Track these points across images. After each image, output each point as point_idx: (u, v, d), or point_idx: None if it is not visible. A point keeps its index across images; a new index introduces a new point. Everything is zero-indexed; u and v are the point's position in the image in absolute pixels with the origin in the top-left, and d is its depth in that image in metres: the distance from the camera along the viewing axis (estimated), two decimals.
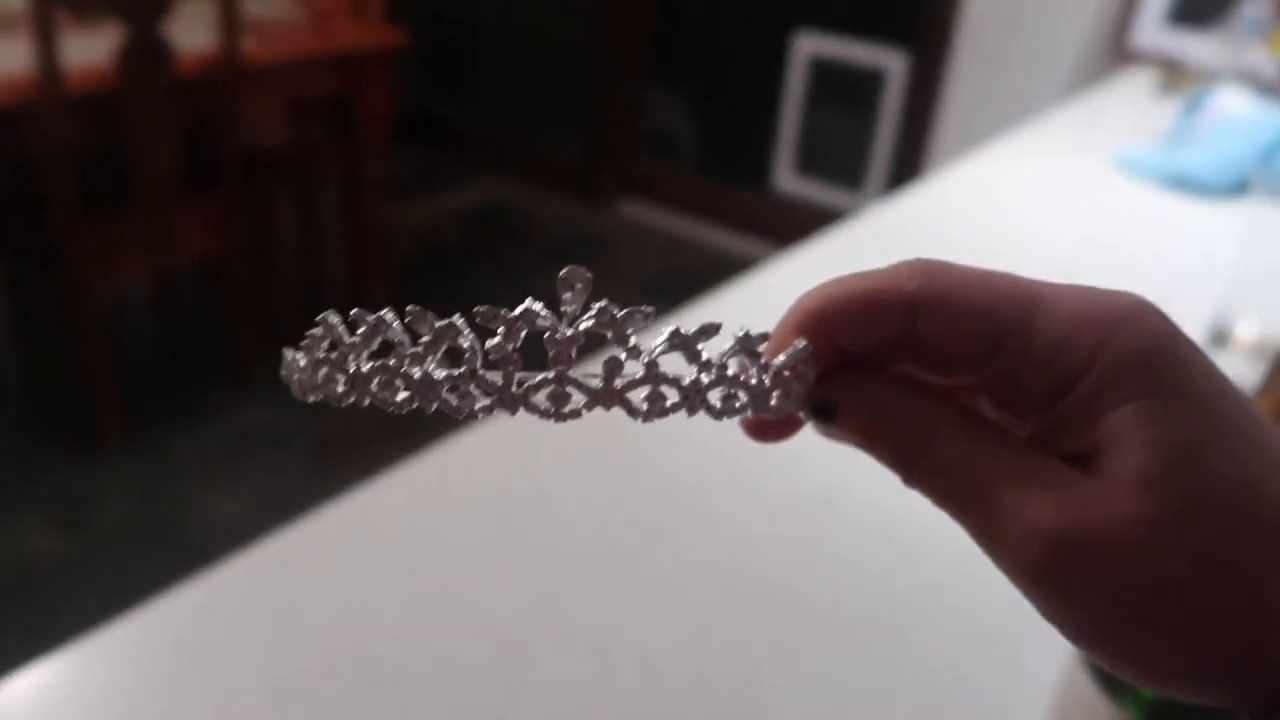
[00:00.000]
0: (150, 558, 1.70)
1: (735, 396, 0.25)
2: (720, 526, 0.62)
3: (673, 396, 0.25)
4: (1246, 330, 0.84)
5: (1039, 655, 0.54)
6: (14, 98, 1.61)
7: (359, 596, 0.56)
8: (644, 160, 3.23)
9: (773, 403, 0.25)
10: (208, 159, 1.92)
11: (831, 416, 0.26)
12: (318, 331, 0.25)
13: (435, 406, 0.23)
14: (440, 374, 0.23)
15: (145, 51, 1.68)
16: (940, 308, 0.24)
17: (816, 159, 2.92)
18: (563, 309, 0.24)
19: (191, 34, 1.80)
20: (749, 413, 0.25)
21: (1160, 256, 1.10)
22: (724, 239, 3.07)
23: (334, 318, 0.24)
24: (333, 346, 0.24)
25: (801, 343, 0.25)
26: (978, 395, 0.27)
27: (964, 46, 2.47)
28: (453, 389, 0.23)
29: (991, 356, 0.24)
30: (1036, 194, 1.27)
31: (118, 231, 1.82)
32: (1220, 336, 0.86)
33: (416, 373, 0.23)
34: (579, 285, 0.24)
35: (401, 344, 0.24)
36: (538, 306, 0.23)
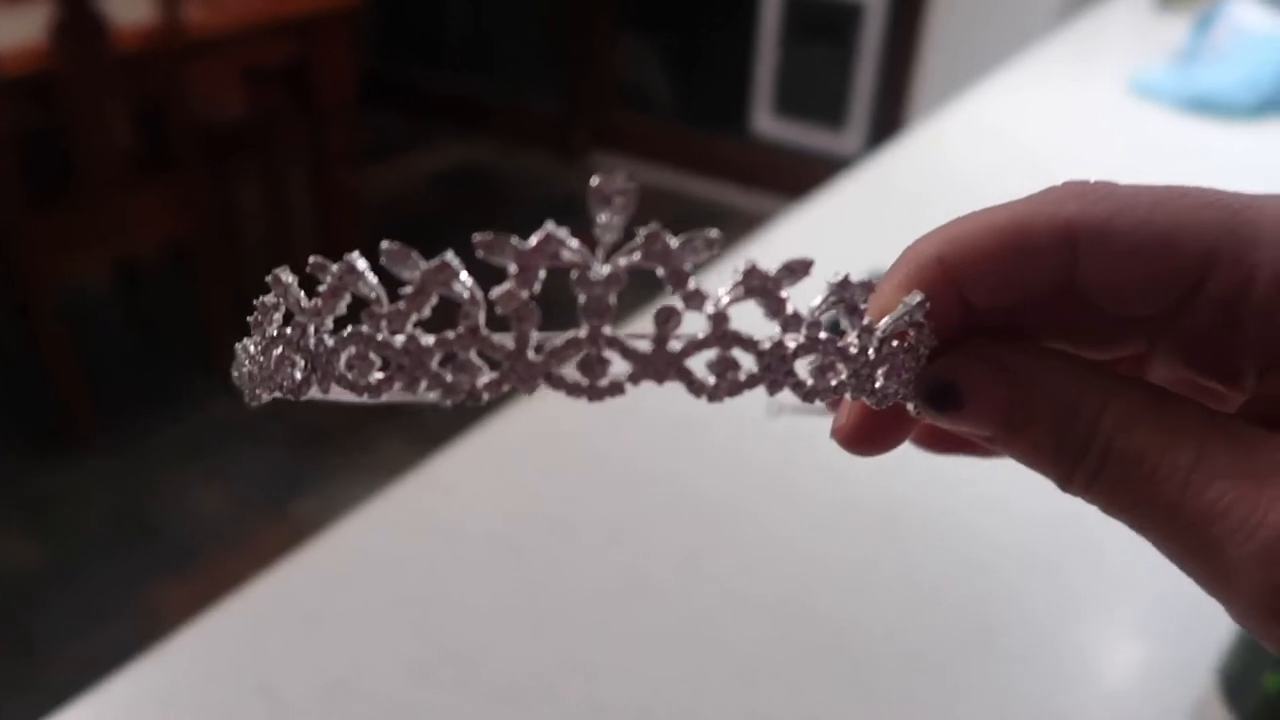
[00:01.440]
0: (131, 561, 1.62)
1: (832, 369, 0.19)
2: (763, 549, 0.55)
3: (749, 364, 0.18)
4: None
5: (1148, 688, 0.47)
6: None
7: (342, 646, 0.48)
8: (619, 112, 3.12)
9: (877, 383, 0.19)
10: (162, 137, 1.81)
11: (956, 402, 0.19)
12: (269, 298, 0.19)
13: (424, 386, 0.17)
14: (429, 339, 0.17)
15: (80, 25, 1.57)
16: (1114, 236, 0.18)
17: (795, 100, 2.81)
18: (597, 235, 0.17)
19: (130, 5, 1.68)
20: (847, 394, 0.19)
21: (1192, 184, 1.03)
22: (706, 188, 2.97)
23: (288, 276, 0.18)
24: (288, 319, 0.18)
25: (916, 296, 0.19)
26: (1147, 368, 0.20)
27: None
28: (446, 359, 0.17)
29: (1186, 302, 0.18)
30: (1051, 126, 1.19)
31: (69, 218, 1.72)
32: None
33: (399, 340, 0.17)
34: (619, 199, 0.17)
35: (378, 301, 0.17)
36: (562, 233, 0.17)
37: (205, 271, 1.97)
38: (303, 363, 0.18)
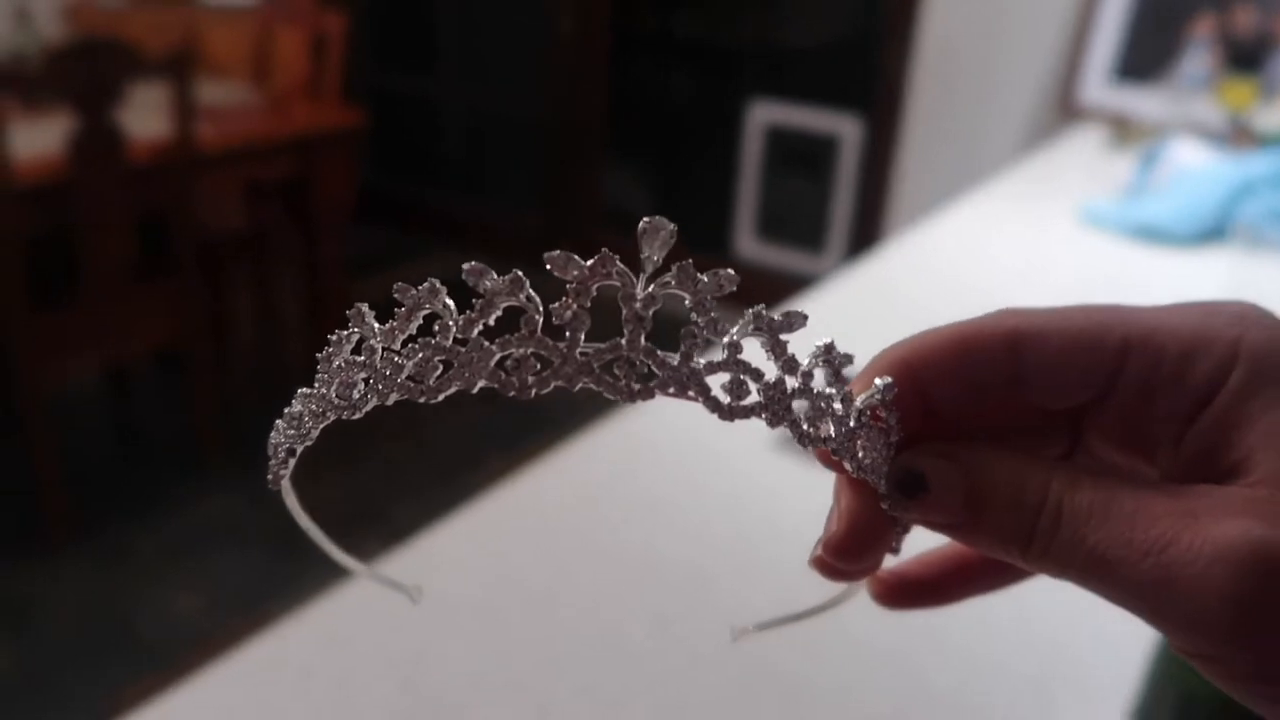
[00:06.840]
0: (103, 663, 1.61)
1: (823, 416, 0.20)
2: (728, 614, 0.58)
3: (754, 394, 0.20)
4: None
5: None
6: None
7: (331, 715, 0.51)
8: (604, 232, 3.23)
9: (859, 452, 0.21)
10: (163, 245, 1.88)
11: (923, 487, 0.22)
12: (349, 331, 0.22)
13: (480, 384, 0.20)
14: (497, 349, 0.20)
15: (97, 139, 1.65)
16: (1050, 336, 0.22)
17: (777, 224, 2.94)
18: (642, 264, 0.20)
19: (144, 120, 1.78)
20: (831, 448, 0.21)
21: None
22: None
23: (366, 309, 0.22)
24: (358, 348, 0.21)
25: (887, 379, 0.22)
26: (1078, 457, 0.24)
27: (915, 110, 2.52)
28: (503, 361, 0.20)
29: (1110, 384, 0.21)
30: (1007, 251, 1.27)
31: (67, 321, 1.77)
32: None
33: (461, 346, 0.20)
34: (662, 235, 0.20)
35: (448, 309, 0.20)
36: (614, 257, 0.20)
37: (195, 376, 2.01)
38: (364, 376, 0.21)
